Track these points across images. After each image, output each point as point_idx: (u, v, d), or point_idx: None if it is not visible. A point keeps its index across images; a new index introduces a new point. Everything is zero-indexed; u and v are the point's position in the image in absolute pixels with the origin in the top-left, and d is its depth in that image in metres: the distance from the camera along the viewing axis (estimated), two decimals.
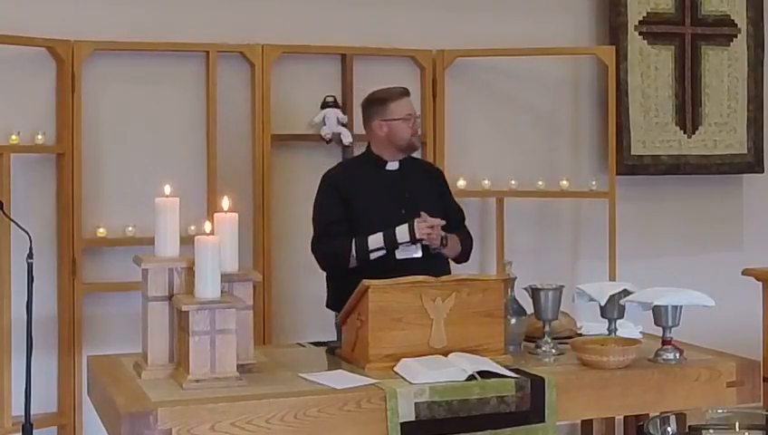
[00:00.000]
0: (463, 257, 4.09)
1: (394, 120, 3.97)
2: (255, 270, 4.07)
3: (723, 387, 3.41)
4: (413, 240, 3.81)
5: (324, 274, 4.06)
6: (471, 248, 4.12)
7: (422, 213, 3.81)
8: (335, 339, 3.87)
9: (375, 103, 4.03)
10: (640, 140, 5.43)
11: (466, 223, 4.19)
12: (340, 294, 3.87)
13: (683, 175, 5.57)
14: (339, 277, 3.94)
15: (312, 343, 3.83)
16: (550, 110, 5.41)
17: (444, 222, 3.85)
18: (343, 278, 3.83)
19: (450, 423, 3.05)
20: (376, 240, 3.83)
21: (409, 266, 3.67)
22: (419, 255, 3.87)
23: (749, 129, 5.67)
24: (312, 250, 3.99)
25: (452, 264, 4.07)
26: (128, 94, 4.69)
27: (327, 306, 4.05)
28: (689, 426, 3.51)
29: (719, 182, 5.71)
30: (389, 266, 3.73)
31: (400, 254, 3.86)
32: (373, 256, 3.83)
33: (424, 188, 4.05)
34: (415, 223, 3.80)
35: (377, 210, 3.91)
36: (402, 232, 3.81)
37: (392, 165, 4.04)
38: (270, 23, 4.87)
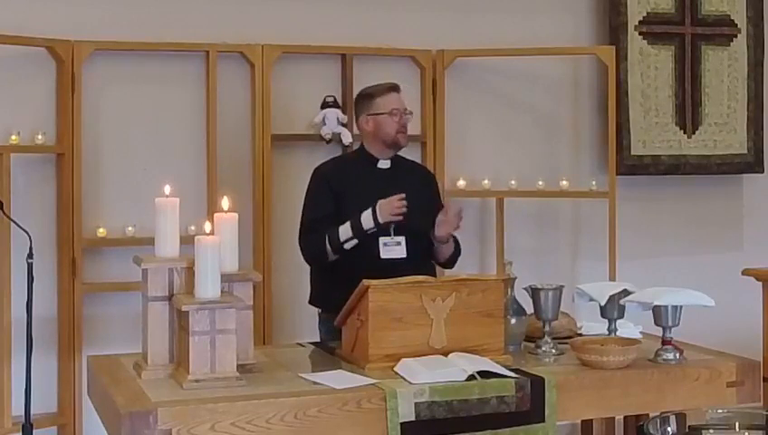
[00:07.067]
0: (449, 263, 4.07)
1: (379, 114, 3.94)
2: (255, 270, 4.07)
3: (723, 387, 3.40)
4: (377, 225, 3.75)
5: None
6: (458, 256, 4.07)
7: (380, 201, 3.74)
8: (318, 339, 3.90)
9: (363, 99, 4.02)
10: (640, 140, 5.43)
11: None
12: (321, 290, 3.96)
13: (683, 175, 5.57)
14: (320, 275, 3.95)
15: (312, 343, 3.83)
16: (550, 110, 5.41)
17: (403, 195, 3.74)
18: (324, 275, 3.88)
19: (450, 423, 3.05)
20: (345, 231, 3.78)
21: (393, 267, 3.65)
22: (404, 255, 3.83)
23: (749, 129, 5.67)
24: (299, 245, 3.97)
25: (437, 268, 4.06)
26: (128, 94, 4.69)
27: (309, 302, 4.05)
28: (689, 426, 3.51)
29: (719, 182, 5.71)
30: (373, 266, 3.67)
31: (384, 254, 3.82)
32: (347, 245, 3.78)
33: (414, 189, 3.97)
34: (377, 207, 3.74)
35: (364, 208, 3.85)
36: (366, 218, 3.76)
37: (383, 163, 4.01)
38: (270, 23, 4.88)
